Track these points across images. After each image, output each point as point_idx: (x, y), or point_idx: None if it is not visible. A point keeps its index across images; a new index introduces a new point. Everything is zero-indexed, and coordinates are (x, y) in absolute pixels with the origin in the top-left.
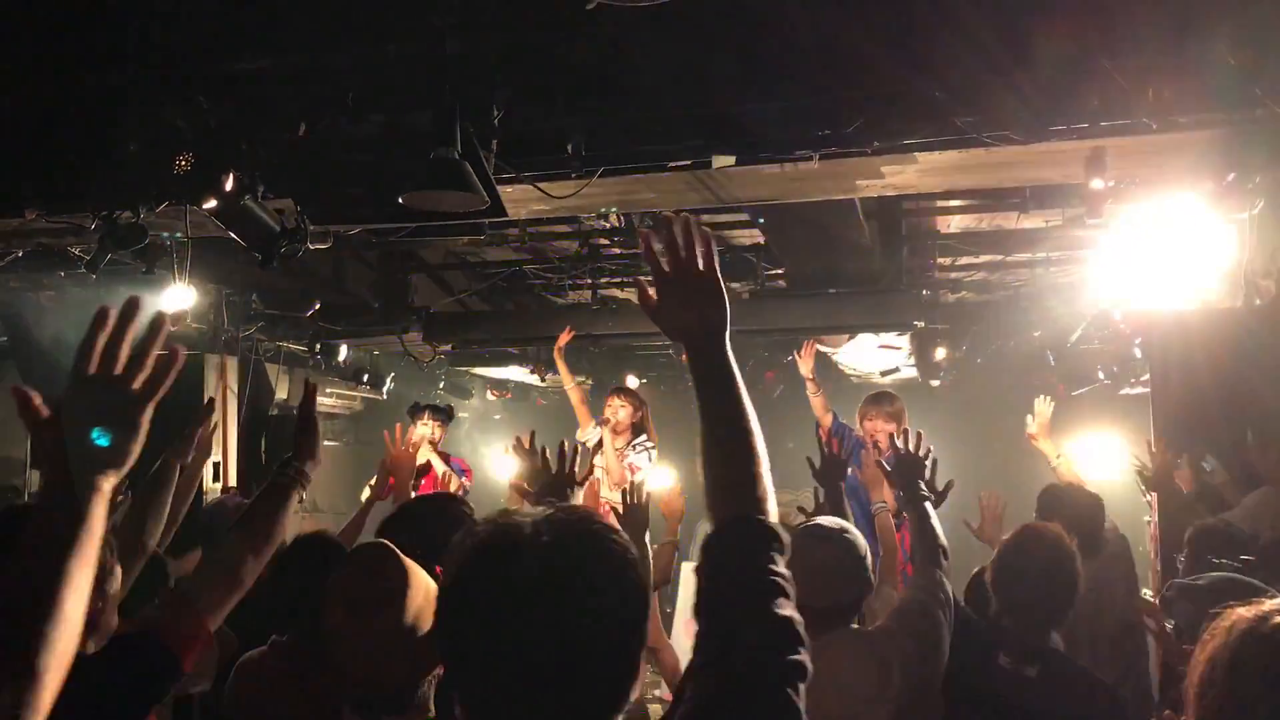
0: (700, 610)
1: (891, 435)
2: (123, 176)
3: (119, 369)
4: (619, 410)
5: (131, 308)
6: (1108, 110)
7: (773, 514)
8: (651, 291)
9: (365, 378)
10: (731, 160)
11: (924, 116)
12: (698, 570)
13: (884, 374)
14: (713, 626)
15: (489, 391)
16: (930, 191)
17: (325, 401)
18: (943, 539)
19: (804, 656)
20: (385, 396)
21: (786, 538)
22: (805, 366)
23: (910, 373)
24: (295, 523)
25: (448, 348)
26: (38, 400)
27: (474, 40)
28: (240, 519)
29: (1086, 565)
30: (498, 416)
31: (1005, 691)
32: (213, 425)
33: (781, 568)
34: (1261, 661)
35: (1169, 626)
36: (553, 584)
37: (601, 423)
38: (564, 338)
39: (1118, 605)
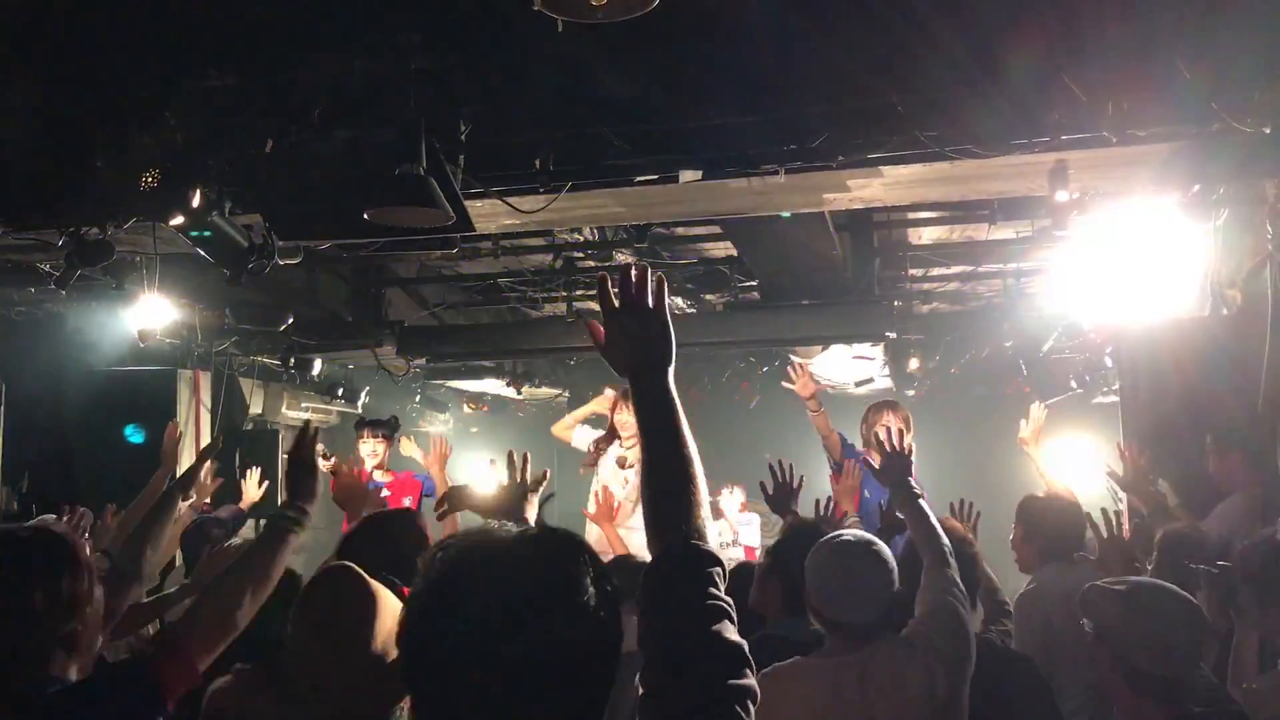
0: (644, 641)
1: (875, 434)
2: (90, 193)
3: None
4: (631, 421)
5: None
6: (1070, 123)
7: (711, 540)
8: (600, 329)
9: (340, 392)
10: (698, 175)
11: (888, 130)
12: (640, 596)
13: (858, 385)
14: (659, 657)
15: (465, 405)
16: (897, 204)
17: (300, 416)
18: (944, 537)
19: (751, 680)
20: (360, 410)
21: (724, 561)
22: (804, 389)
23: (884, 383)
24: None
25: (422, 361)
26: None
27: (440, 56)
28: (239, 561)
29: (1069, 575)
30: (475, 430)
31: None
32: (178, 435)
33: (721, 591)
34: None
35: (1087, 626)
36: (534, 602)
37: (603, 439)
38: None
39: None
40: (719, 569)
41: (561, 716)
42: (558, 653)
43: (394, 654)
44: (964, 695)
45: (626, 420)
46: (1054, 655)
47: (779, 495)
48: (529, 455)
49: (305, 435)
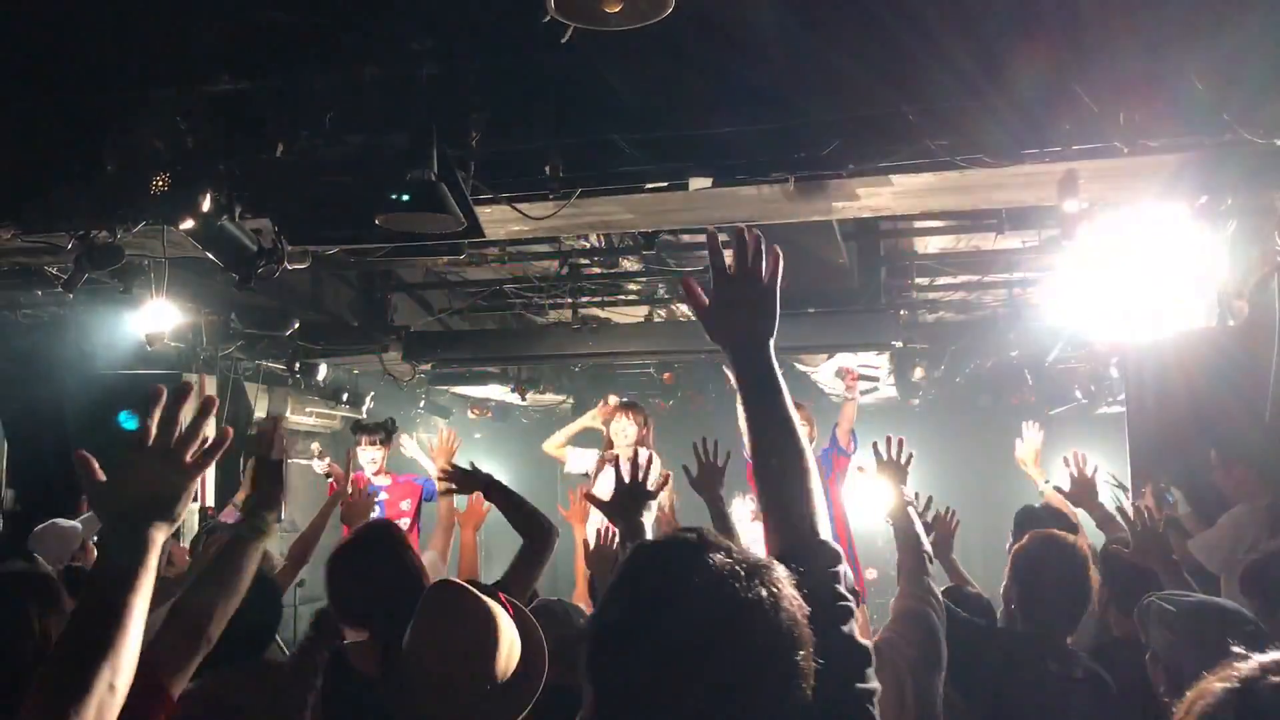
0: None
1: (874, 443)
2: (100, 196)
3: (174, 443)
4: (628, 429)
5: (184, 390)
6: (1080, 133)
7: (826, 531)
8: (701, 292)
9: (345, 397)
10: (708, 182)
11: (899, 139)
12: None
13: (863, 393)
14: None
15: (470, 410)
16: (906, 213)
17: (304, 420)
18: (927, 545)
19: (876, 683)
20: (365, 415)
21: (843, 558)
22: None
23: (889, 391)
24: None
25: (427, 367)
26: (96, 465)
27: (451, 64)
28: (203, 574)
29: None
30: (478, 435)
31: (1055, 697)
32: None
33: (845, 590)
34: None
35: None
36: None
37: (604, 457)
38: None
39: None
40: (844, 567)
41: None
42: (750, 667)
43: (510, 672)
44: (936, 702)
45: (621, 429)
46: None
47: (704, 475)
48: (654, 457)
49: (271, 431)
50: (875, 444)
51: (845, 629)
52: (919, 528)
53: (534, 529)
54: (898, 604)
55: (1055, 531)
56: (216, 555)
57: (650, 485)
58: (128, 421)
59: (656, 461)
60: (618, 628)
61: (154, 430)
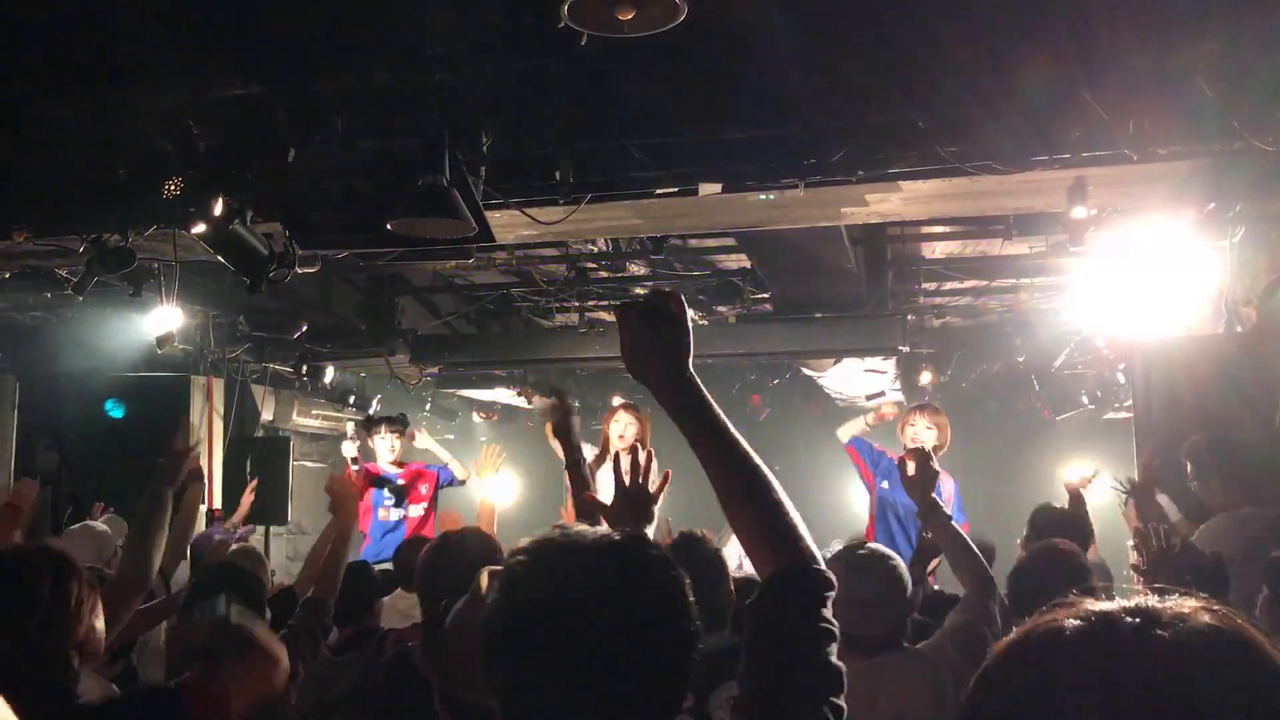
0: (750, 647)
1: (899, 459)
2: (112, 200)
3: None
4: (628, 427)
5: None
6: (1089, 141)
7: (815, 552)
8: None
9: (352, 399)
10: (718, 188)
11: (908, 145)
12: (749, 611)
13: (869, 398)
14: (763, 663)
15: (475, 414)
16: (914, 219)
17: (311, 423)
18: (982, 560)
19: (844, 703)
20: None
21: (835, 582)
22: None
23: (896, 397)
24: (292, 544)
25: (434, 370)
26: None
27: (463, 69)
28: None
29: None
30: (484, 439)
31: None
32: (188, 451)
33: (830, 614)
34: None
35: None
36: (611, 587)
37: (598, 457)
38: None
39: None
40: (832, 593)
41: (639, 699)
42: (635, 635)
43: None
44: None
45: (620, 428)
46: None
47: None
48: (653, 453)
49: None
50: (900, 460)
51: (824, 653)
52: (967, 539)
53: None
54: (956, 617)
55: (1056, 543)
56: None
57: (651, 487)
58: (114, 410)
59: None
60: (500, 641)
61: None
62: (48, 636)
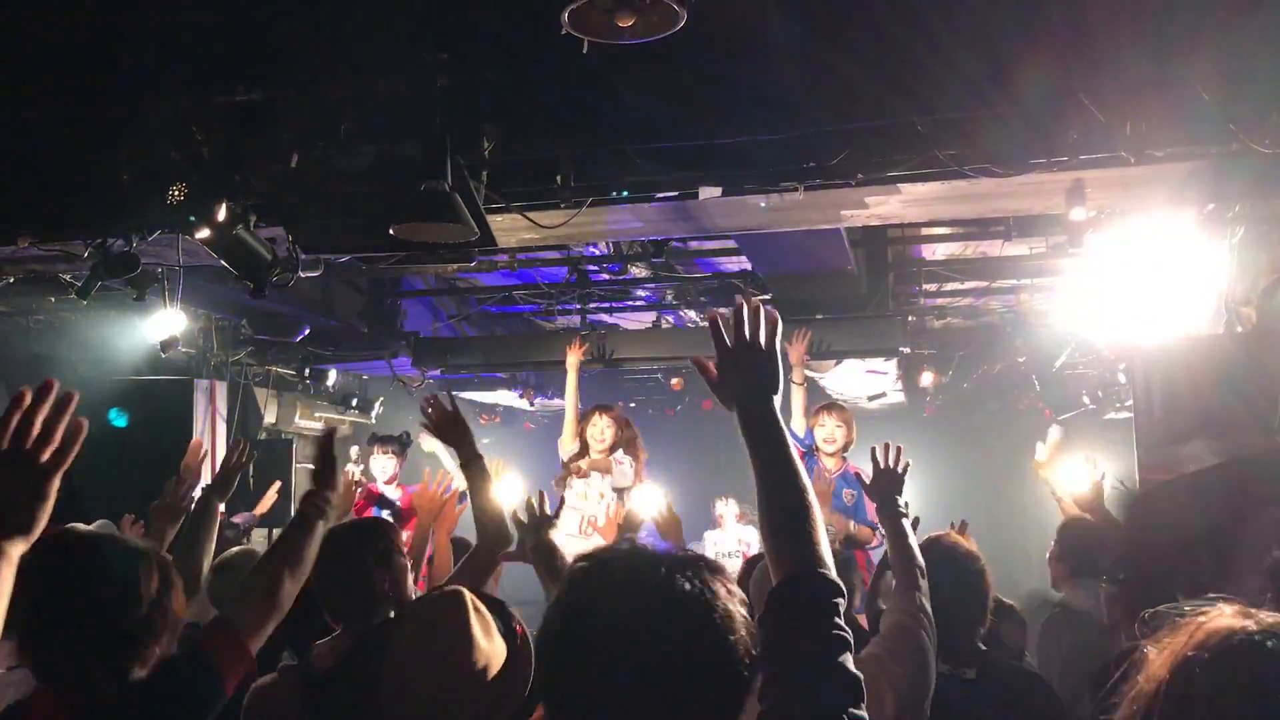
0: (768, 657)
1: (873, 449)
2: (116, 205)
3: (28, 445)
4: (605, 430)
5: (45, 389)
6: (1087, 143)
7: (831, 566)
8: (712, 366)
9: (354, 402)
10: (718, 192)
11: (907, 149)
12: (764, 618)
13: (871, 399)
14: (782, 674)
15: (478, 417)
16: (914, 221)
17: (314, 426)
18: (919, 559)
19: (864, 713)
20: (374, 420)
21: (844, 591)
22: (795, 354)
23: (897, 397)
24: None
25: (436, 372)
26: None
27: (464, 75)
28: (274, 547)
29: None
30: (486, 441)
31: (950, 696)
32: (202, 454)
33: (843, 621)
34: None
35: None
36: (667, 616)
37: (575, 461)
38: (576, 353)
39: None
40: (843, 600)
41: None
42: (690, 664)
43: (492, 675)
44: (922, 716)
45: (596, 432)
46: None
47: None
48: (542, 493)
49: (331, 435)
50: (874, 449)
51: (840, 660)
52: (911, 540)
53: (491, 529)
54: (889, 619)
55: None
56: (283, 533)
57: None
58: (117, 419)
59: (659, 492)
60: (551, 642)
61: (8, 435)
62: (143, 633)
